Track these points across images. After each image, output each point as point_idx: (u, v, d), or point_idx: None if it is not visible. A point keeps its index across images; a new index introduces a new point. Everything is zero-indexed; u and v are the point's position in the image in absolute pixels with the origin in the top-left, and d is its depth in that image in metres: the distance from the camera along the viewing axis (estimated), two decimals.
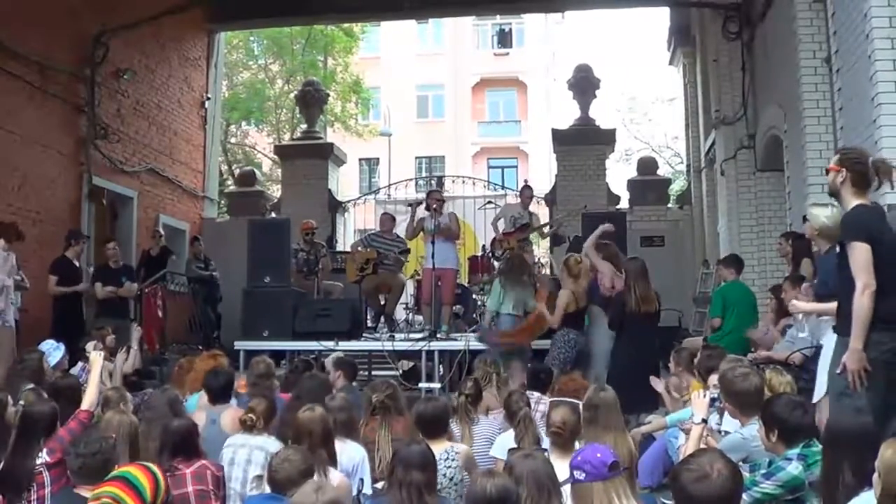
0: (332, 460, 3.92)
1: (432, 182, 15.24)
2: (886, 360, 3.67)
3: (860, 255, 3.71)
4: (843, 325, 3.86)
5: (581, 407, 4.19)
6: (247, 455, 4.23)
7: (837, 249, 4.01)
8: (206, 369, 5.76)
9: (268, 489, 3.52)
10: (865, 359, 3.67)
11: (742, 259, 7.98)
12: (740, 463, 3.65)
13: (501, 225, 10.17)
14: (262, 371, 5.73)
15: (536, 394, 5.51)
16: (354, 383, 6.39)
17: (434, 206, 9.12)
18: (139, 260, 11.15)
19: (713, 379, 4.67)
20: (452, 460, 4.15)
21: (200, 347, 8.84)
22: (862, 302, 3.68)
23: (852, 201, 3.86)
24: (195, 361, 6.31)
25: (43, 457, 3.75)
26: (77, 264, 8.82)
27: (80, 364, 6.49)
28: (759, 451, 3.63)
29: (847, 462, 2.89)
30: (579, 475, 2.87)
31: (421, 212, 9.40)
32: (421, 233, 9.34)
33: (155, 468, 2.84)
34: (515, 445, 4.22)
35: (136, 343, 7.10)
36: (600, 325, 7.12)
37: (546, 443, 4.27)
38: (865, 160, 3.84)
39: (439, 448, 4.07)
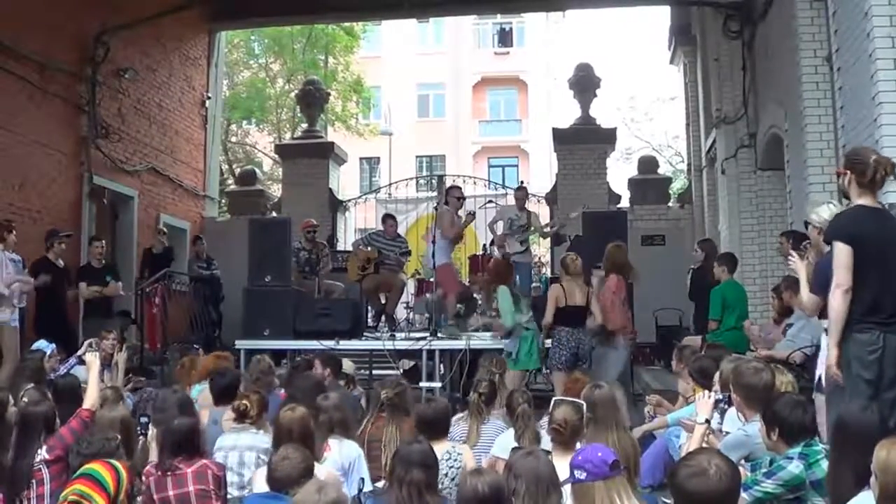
0: (315, 457, 3.91)
1: (433, 181, 15.25)
2: (875, 360, 3.69)
3: (838, 255, 3.79)
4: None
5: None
6: (238, 458, 4.24)
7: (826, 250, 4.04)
8: (210, 367, 5.80)
9: (266, 487, 3.52)
10: (836, 357, 3.75)
11: (735, 257, 7.98)
12: (742, 461, 3.67)
13: (499, 227, 10.17)
14: (265, 368, 5.78)
15: None
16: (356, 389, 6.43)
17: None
18: (141, 258, 11.14)
19: (715, 377, 4.68)
20: (455, 460, 4.15)
21: (196, 347, 8.82)
22: (834, 300, 3.76)
23: (856, 201, 3.89)
24: (196, 360, 6.34)
25: (42, 454, 3.76)
26: (61, 264, 8.71)
27: (72, 360, 6.49)
28: (762, 448, 3.63)
29: (853, 459, 2.88)
30: (580, 474, 2.87)
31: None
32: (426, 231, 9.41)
33: (117, 464, 3.00)
34: (516, 444, 4.22)
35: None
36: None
37: (546, 441, 4.27)
38: (866, 159, 3.85)
39: (441, 448, 4.07)
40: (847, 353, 3.74)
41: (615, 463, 2.89)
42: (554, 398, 4.28)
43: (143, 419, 4.47)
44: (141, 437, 4.37)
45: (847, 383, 3.72)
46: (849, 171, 3.89)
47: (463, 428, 5.02)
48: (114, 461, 3.02)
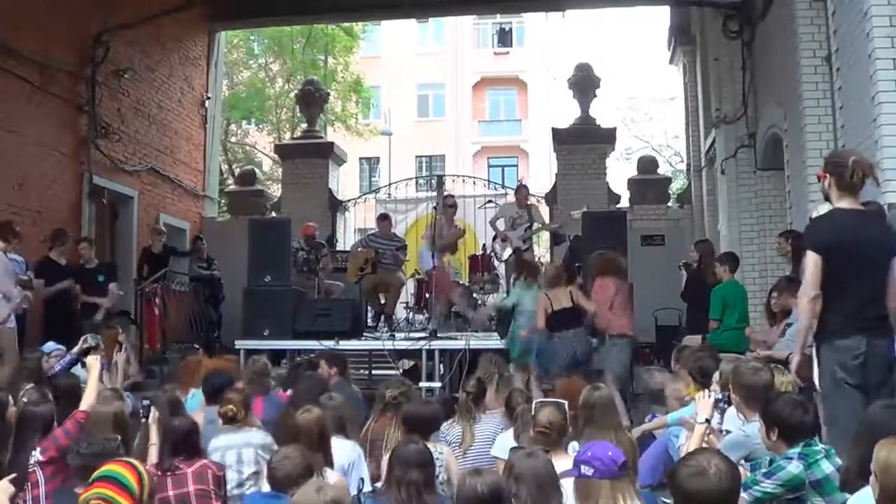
0: (329, 461, 3.93)
1: (433, 181, 15.22)
2: (859, 365, 3.71)
3: (807, 264, 3.85)
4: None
5: (580, 406, 4.20)
6: (235, 456, 4.25)
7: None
8: (211, 369, 5.81)
9: (266, 485, 3.52)
10: (798, 363, 3.84)
11: (737, 256, 7.97)
12: (742, 461, 3.66)
13: (501, 225, 10.17)
14: (259, 369, 5.77)
15: None
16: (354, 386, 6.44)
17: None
18: (140, 257, 11.13)
19: (715, 377, 4.68)
20: (436, 459, 4.15)
21: (196, 347, 8.81)
22: (800, 308, 3.86)
23: (836, 204, 3.91)
24: (201, 363, 6.33)
25: (36, 455, 3.76)
26: (64, 262, 8.66)
27: (69, 357, 6.48)
28: (762, 448, 3.63)
29: (862, 453, 2.85)
30: (587, 470, 2.86)
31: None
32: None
33: (137, 463, 2.86)
34: (516, 444, 4.22)
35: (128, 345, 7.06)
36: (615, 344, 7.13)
37: None
38: (846, 162, 3.86)
39: None
40: (829, 361, 3.78)
41: (624, 464, 2.89)
42: (535, 401, 4.30)
43: (146, 402, 4.47)
44: (143, 419, 4.37)
45: (831, 391, 3.75)
46: (829, 175, 3.90)
47: (458, 431, 5.01)
48: (133, 461, 2.91)
